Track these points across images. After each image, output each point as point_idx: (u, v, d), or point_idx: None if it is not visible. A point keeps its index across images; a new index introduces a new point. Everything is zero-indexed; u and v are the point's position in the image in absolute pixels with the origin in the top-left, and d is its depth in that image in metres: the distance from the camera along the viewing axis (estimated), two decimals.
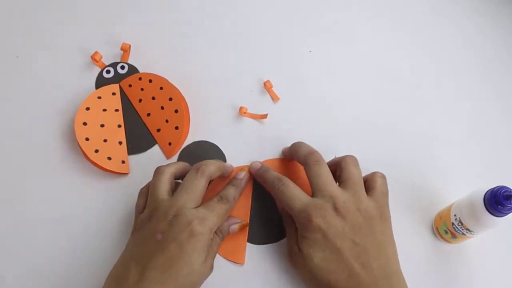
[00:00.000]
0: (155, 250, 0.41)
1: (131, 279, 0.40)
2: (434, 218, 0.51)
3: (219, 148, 0.54)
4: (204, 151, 0.54)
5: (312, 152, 0.47)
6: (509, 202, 0.39)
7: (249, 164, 0.51)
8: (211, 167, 0.46)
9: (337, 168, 0.47)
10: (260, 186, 0.51)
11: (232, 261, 0.49)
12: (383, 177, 0.47)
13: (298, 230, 0.44)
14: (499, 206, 0.39)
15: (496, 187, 0.40)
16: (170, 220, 0.42)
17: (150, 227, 0.42)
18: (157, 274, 0.40)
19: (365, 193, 0.45)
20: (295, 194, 0.44)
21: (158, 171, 0.46)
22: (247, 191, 0.51)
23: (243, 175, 0.49)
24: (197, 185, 0.44)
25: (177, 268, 0.40)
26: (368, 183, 0.46)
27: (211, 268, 0.44)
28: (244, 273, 0.49)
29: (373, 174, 0.47)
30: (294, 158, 0.49)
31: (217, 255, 0.48)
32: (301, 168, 0.49)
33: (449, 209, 0.47)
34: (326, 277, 0.41)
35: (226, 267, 0.49)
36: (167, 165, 0.47)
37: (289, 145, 0.51)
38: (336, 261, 0.41)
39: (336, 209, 0.42)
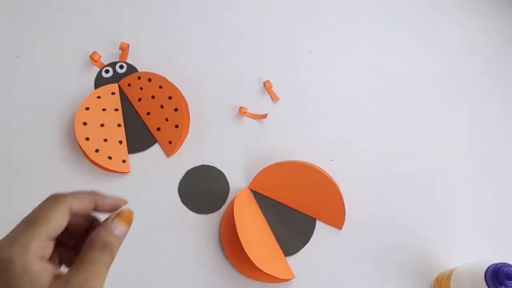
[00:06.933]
0: None
1: None
2: (433, 282, 0.48)
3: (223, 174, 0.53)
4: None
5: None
6: (511, 282, 0.38)
7: None
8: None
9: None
10: (266, 202, 0.51)
11: (282, 279, 0.48)
12: None
13: None
14: (502, 287, 0.38)
15: (499, 263, 0.39)
16: None
17: None
18: None
19: None
20: None
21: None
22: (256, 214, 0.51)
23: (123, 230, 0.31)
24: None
25: None
26: None
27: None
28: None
29: None
30: None
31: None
32: (308, 171, 0.47)
33: (448, 277, 0.45)
34: None
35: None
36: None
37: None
38: None
39: None
